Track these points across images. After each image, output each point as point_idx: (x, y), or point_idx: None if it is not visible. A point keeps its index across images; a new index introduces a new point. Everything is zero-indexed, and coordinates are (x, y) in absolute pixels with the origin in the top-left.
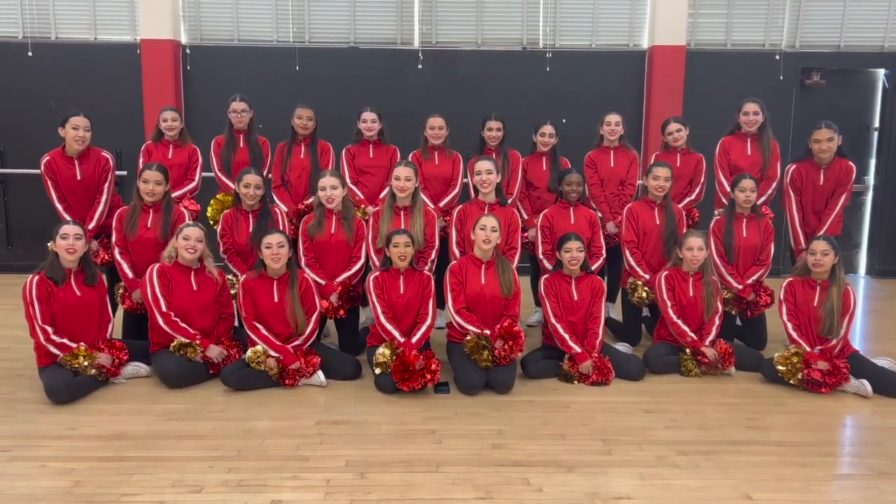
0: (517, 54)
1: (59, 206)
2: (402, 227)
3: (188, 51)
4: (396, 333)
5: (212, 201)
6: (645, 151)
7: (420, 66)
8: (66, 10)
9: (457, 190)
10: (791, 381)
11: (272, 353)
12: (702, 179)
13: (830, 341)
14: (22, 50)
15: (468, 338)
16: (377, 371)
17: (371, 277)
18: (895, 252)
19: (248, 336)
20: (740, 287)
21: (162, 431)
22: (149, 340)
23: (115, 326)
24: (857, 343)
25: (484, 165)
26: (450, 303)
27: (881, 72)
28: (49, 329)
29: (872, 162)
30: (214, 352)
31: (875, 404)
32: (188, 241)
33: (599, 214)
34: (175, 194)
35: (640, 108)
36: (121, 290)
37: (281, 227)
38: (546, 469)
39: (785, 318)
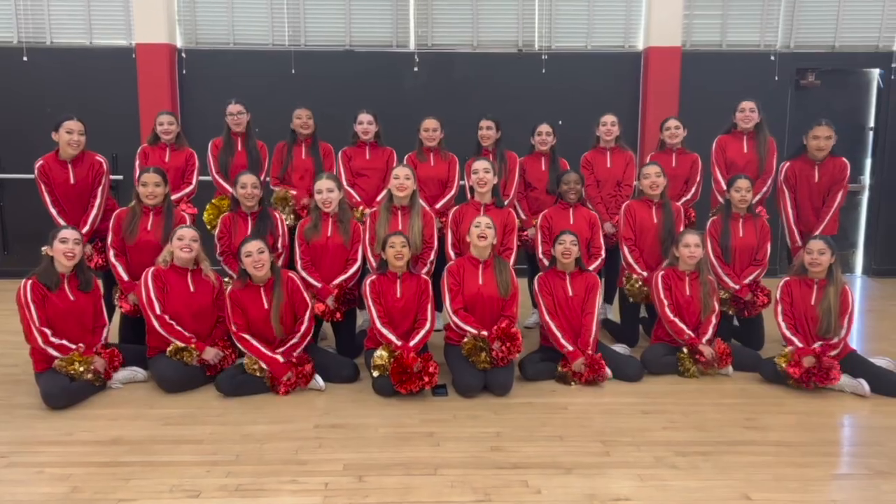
0: (513, 56)
1: (52, 211)
2: (400, 228)
3: (184, 55)
4: (393, 338)
5: (207, 206)
6: (641, 152)
7: (416, 69)
8: (61, 14)
9: (453, 192)
10: (790, 383)
11: (263, 364)
12: (698, 179)
13: (830, 340)
14: (17, 55)
15: (466, 339)
16: (375, 374)
17: (367, 281)
18: (891, 251)
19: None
20: (737, 287)
21: (159, 436)
22: (146, 345)
23: (112, 331)
24: (854, 342)
25: (481, 164)
26: (447, 303)
27: (876, 72)
28: (48, 331)
29: (868, 162)
30: (210, 353)
31: (873, 404)
32: (182, 241)
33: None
34: (172, 198)
35: (635, 110)
36: (117, 294)
37: (280, 232)
38: (545, 471)
39: (780, 317)
